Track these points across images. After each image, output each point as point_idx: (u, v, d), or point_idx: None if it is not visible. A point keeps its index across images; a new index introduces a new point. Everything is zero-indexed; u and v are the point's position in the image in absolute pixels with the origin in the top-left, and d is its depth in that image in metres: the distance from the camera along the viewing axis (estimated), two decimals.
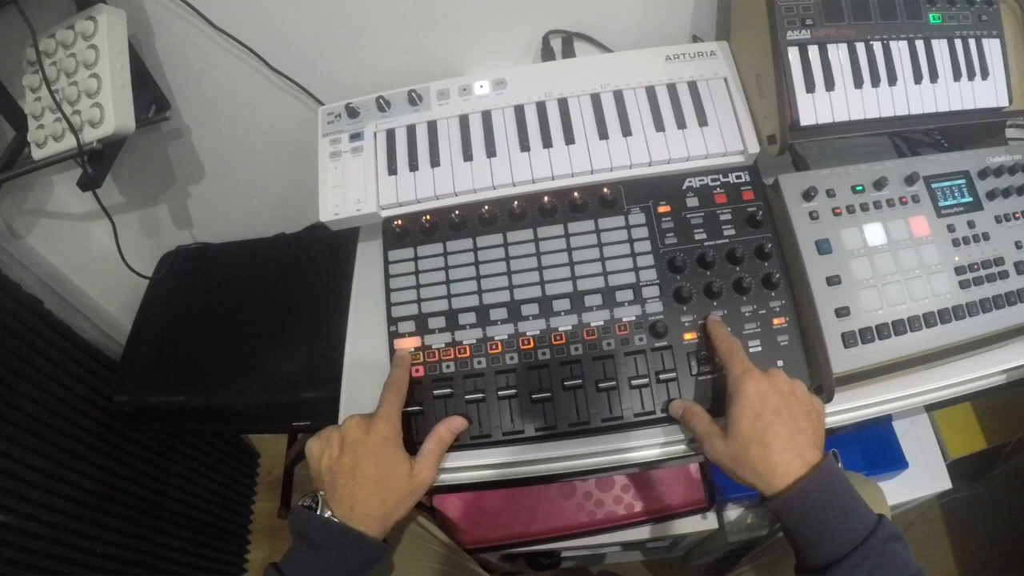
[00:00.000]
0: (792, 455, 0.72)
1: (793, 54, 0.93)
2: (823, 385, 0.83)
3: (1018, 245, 0.93)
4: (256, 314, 1.31)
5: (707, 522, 1.24)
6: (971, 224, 0.92)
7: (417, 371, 0.87)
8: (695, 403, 0.83)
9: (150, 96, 1.09)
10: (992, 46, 0.98)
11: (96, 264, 1.33)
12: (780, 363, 0.85)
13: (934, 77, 0.96)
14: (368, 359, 0.94)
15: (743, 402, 0.75)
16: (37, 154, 0.98)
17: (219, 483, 1.82)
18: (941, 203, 0.93)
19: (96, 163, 1.00)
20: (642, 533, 1.26)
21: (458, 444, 0.85)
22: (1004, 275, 0.91)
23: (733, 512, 1.28)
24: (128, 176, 1.27)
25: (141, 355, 1.29)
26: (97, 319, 1.37)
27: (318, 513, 0.77)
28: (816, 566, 0.71)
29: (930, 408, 1.30)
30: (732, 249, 0.90)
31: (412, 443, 0.83)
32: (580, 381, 0.85)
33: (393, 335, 0.90)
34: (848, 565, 0.68)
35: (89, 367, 1.31)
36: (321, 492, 0.78)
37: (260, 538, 1.99)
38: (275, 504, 1.84)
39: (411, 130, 1.00)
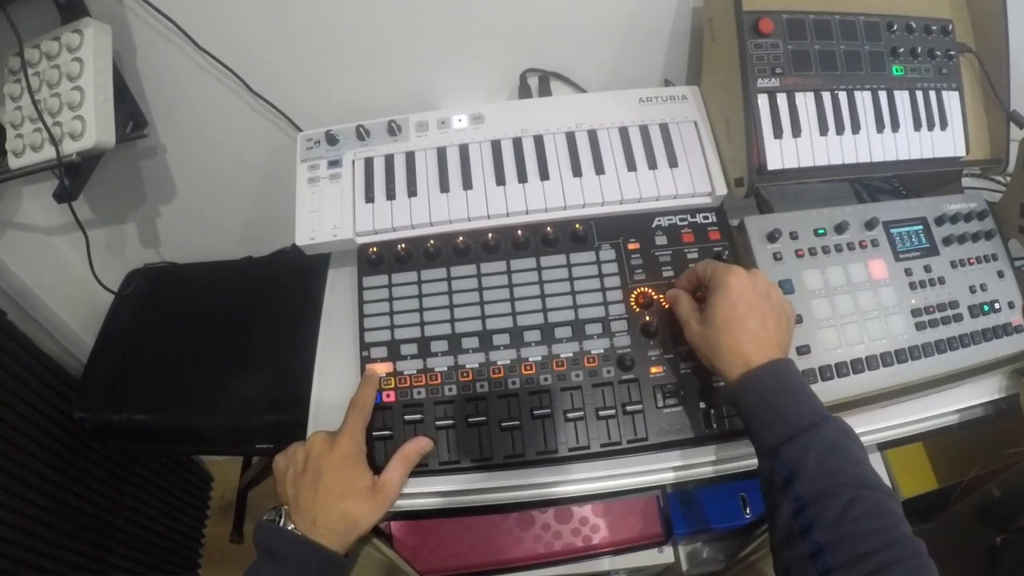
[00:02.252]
0: (754, 348, 0.79)
1: (762, 101, 0.99)
2: None
3: (972, 289, 0.99)
4: (221, 335, 1.34)
5: (664, 555, 1.26)
6: (927, 268, 0.99)
7: (388, 396, 0.91)
8: (684, 292, 0.91)
9: (128, 112, 1.12)
10: (951, 98, 1.06)
11: (60, 279, 1.35)
12: None
13: (896, 126, 1.03)
14: (337, 383, 0.97)
15: (722, 292, 0.82)
16: (14, 163, 1.00)
17: (172, 505, 1.83)
18: (899, 247, 1.00)
19: (73, 176, 1.02)
20: (599, 565, 1.27)
21: (427, 469, 0.89)
22: (958, 318, 0.97)
23: (689, 546, 1.32)
24: (99, 191, 1.29)
25: (103, 372, 1.31)
26: (59, 334, 1.39)
27: (281, 525, 0.80)
28: (768, 446, 0.75)
29: (884, 447, 1.35)
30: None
31: (380, 468, 0.86)
32: (548, 411, 0.90)
33: (365, 360, 0.94)
34: (798, 445, 0.72)
35: (49, 382, 1.33)
36: (285, 506, 0.82)
37: (211, 563, 1.98)
38: (227, 529, 1.83)
39: (389, 160, 1.05)
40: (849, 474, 0.71)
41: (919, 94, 1.05)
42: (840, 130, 1.01)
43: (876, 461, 1.37)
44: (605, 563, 1.27)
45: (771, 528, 0.73)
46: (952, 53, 1.06)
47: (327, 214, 1.01)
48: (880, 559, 0.64)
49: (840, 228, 0.98)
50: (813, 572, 0.66)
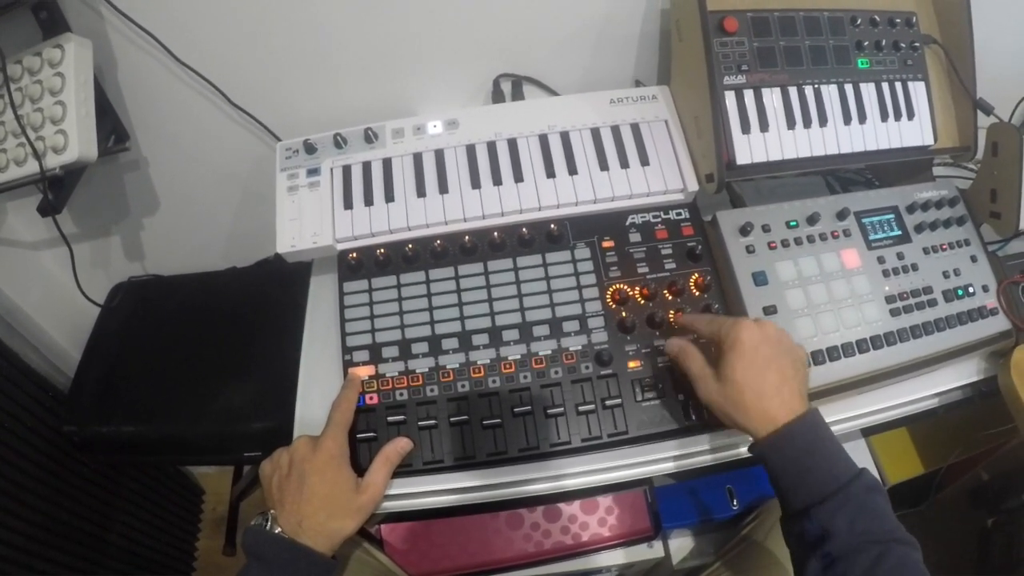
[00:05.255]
0: (779, 403, 0.81)
1: (729, 98, 1.03)
2: None
3: (945, 275, 1.04)
4: (207, 345, 1.36)
5: (653, 550, 1.29)
6: (900, 256, 1.03)
7: (371, 399, 0.95)
8: (690, 343, 0.92)
9: (110, 126, 1.15)
10: (917, 88, 1.11)
11: (46, 293, 1.38)
12: None
13: (863, 118, 1.07)
14: (322, 388, 1.00)
15: (737, 348, 0.83)
16: None
17: (163, 519, 1.86)
18: (871, 236, 1.04)
19: (57, 190, 1.05)
20: (589, 563, 1.30)
21: (411, 469, 0.92)
22: (932, 303, 1.02)
23: (678, 540, 1.35)
24: (82, 205, 1.32)
25: (90, 385, 1.32)
26: (45, 348, 1.41)
27: (268, 529, 0.84)
28: (798, 508, 0.78)
29: (867, 432, 1.38)
30: (673, 281, 1.00)
31: (364, 470, 0.89)
32: (529, 408, 0.93)
33: (348, 364, 0.97)
34: (828, 508, 0.76)
35: (37, 397, 1.36)
36: (272, 511, 0.85)
37: None
38: (219, 542, 1.83)
39: (367, 166, 1.08)
40: (877, 530, 0.75)
41: (885, 86, 1.09)
42: (807, 123, 1.05)
43: (860, 448, 1.42)
44: (596, 560, 1.30)
45: None
46: (917, 45, 1.10)
47: (307, 222, 1.05)
48: None
49: (812, 219, 1.02)
50: None
